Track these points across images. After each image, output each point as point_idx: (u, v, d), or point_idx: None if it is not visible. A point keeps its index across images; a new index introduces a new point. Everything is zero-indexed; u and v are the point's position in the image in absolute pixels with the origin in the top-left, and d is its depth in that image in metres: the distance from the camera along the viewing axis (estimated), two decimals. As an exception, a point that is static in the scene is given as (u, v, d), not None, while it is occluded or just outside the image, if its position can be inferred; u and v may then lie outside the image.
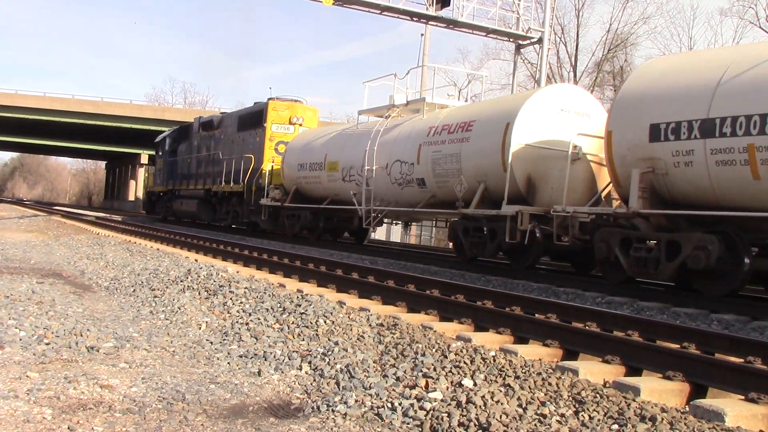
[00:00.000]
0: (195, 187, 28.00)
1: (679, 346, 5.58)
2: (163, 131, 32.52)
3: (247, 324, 7.25)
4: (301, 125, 23.67)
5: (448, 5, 25.79)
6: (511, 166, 12.79)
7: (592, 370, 5.10)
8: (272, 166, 22.75)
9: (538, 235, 12.21)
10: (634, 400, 4.44)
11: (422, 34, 32.31)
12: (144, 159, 62.51)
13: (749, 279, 9.79)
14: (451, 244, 16.51)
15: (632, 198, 10.20)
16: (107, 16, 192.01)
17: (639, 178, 10.12)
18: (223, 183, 24.87)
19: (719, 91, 9.27)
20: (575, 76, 42.94)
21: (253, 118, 24.67)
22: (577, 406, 4.44)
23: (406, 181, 15.93)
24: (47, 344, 6.13)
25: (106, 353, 6.05)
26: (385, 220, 18.75)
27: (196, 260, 12.52)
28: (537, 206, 12.60)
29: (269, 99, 24.12)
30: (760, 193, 8.82)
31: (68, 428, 4.10)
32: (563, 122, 13.02)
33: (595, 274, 13.02)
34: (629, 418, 4.17)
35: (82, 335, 6.52)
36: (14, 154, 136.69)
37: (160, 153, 33.63)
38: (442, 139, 14.88)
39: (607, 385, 4.82)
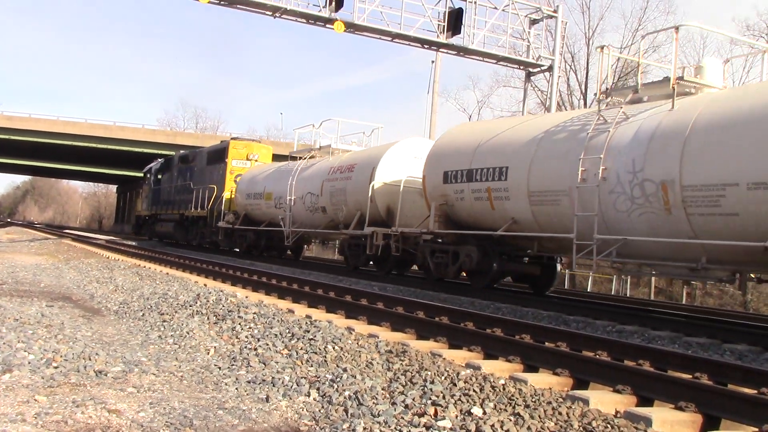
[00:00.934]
0: (172, 211, 32.19)
1: (691, 376, 5.52)
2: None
3: (255, 349, 7.22)
4: (256, 161, 28.15)
5: (459, 33, 25.97)
6: (374, 198, 17.73)
7: (603, 400, 5.04)
8: (229, 195, 26.97)
9: (392, 248, 16.33)
10: (645, 431, 4.39)
11: (433, 61, 32.58)
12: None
13: (500, 276, 15.04)
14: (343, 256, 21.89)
15: (431, 222, 15.03)
16: (120, 42, 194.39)
17: (435, 209, 14.94)
18: (193, 209, 29.13)
19: (476, 151, 14.11)
20: (585, 103, 43.05)
21: (218, 155, 28.98)
22: (587, 436, 4.39)
23: (314, 208, 20.90)
24: (56, 368, 6.13)
25: (115, 377, 6.04)
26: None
27: (205, 285, 12.52)
28: (393, 228, 16.61)
29: (231, 138, 29.38)
30: (496, 219, 13.48)
31: (75, 453, 4.08)
32: (415, 166, 17.00)
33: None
34: (641, 449, 4.12)
35: (90, 359, 6.51)
36: (26, 177, 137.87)
37: (147, 182, 37.82)
38: (336, 176, 19.83)
39: (618, 415, 4.76)
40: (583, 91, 43.39)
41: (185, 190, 31.00)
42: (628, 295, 25.20)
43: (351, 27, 24.78)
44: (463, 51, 26.99)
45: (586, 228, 11.19)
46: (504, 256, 14.10)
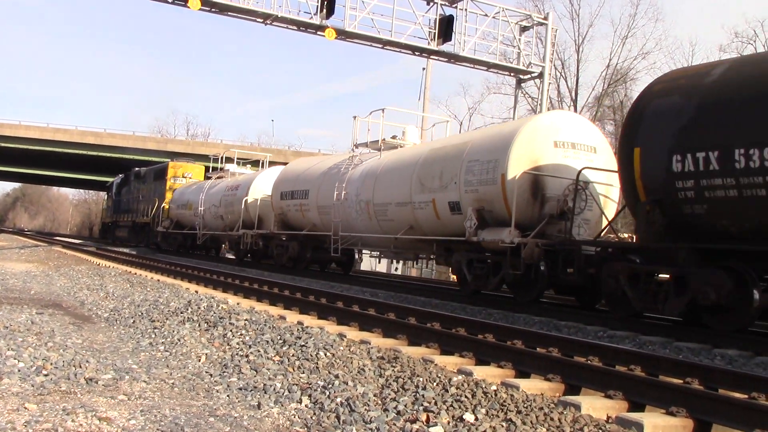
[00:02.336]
0: (127, 219, 40.15)
1: (682, 381, 5.54)
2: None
3: (247, 356, 7.20)
4: (190, 178, 34.93)
5: (450, 40, 26.06)
6: (247, 209, 24.87)
7: (595, 405, 5.05)
8: (166, 206, 33.38)
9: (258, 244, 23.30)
10: (637, 436, 4.40)
11: (424, 68, 32.64)
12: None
13: (311, 262, 20.88)
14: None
15: (272, 225, 22.02)
16: (111, 50, 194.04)
17: (275, 216, 21.96)
18: (141, 217, 36.63)
19: (297, 179, 21.21)
20: (576, 110, 43.19)
21: (161, 173, 36.02)
22: (579, 441, 4.39)
23: (216, 216, 27.56)
24: (46, 375, 6.09)
25: (105, 385, 6.01)
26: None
27: (197, 291, 12.49)
28: (254, 230, 23.63)
29: (170, 161, 37.03)
30: (304, 223, 19.86)
31: (65, 461, 4.05)
32: None
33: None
34: (632, 454, 4.12)
35: (81, 366, 6.47)
36: (16, 185, 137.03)
37: (110, 194, 46.42)
38: (229, 193, 27.17)
39: (610, 421, 4.77)
40: (573, 98, 43.64)
41: (137, 201, 38.58)
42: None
43: (342, 34, 24.82)
44: (453, 58, 27.07)
45: (341, 228, 18.16)
46: (313, 248, 20.39)
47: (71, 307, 11.72)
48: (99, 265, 20.41)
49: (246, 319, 8.94)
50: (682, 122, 9.49)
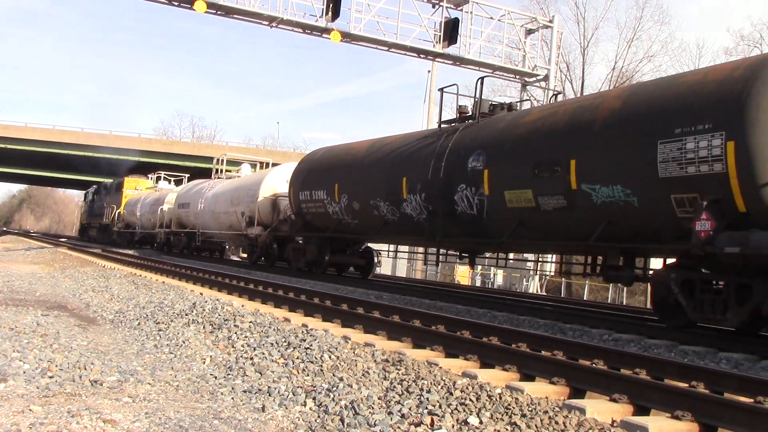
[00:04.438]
0: (96, 222, 51.18)
1: (688, 385, 5.52)
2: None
3: (251, 358, 7.21)
4: (140, 189, 43.11)
5: (455, 42, 26.09)
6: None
7: (600, 409, 5.03)
8: (121, 211, 42.61)
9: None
10: (642, 440, 4.38)
11: (429, 71, 32.65)
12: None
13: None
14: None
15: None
16: (117, 53, 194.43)
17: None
18: (105, 219, 46.82)
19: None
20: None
21: (119, 186, 45.35)
22: (584, 445, 4.38)
23: (159, 218, 35.71)
24: (51, 377, 6.11)
25: (110, 387, 6.02)
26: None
27: (201, 294, 12.50)
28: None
29: (125, 177, 45.78)
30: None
31: (70, 463, 4.06)
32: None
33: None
34: (637, 458, 4.11)
35: (86, 369, 6.49)
36: (22, 186, 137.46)
37: (86, 200, 57.30)
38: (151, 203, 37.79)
39: (615, 425, 4.76)
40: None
41: (102, 207, 48.48)
42: (624, 303, 25.21)
43: (347, 37, 24.88)
44: (459, 61, 27.10)
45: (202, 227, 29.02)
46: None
47: (76, 308, 11.75)
48: (104, 267, 20.45)
49: (251, 322, 8.95)
50: (303, 177, 19.83)
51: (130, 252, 29.42)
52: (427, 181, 14.19)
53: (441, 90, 15.84)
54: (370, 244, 20.25)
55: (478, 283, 30.04)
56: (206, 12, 23.30)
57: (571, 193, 10.87)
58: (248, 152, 55.95)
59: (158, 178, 43.45)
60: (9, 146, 53.76)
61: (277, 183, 22.80)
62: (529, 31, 28.55)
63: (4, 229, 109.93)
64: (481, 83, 14.30)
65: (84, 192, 57.65)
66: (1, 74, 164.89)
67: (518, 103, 16.37)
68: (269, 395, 5.94)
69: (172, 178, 42.72)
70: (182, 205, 30.84)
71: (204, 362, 7.33)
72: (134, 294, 13.06)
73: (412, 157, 15.06)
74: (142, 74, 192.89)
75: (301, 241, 20.82)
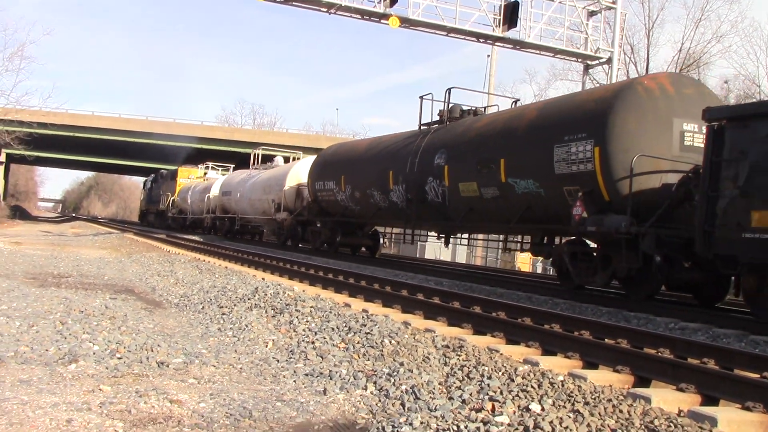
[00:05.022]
0: (155, 208, 53.82)
1: (759, 375, 5.36)
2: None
3: (313, 343, 7.28)
4: (192, 179, 45.62)
5: (515, 26, 25.70)
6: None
7: (666, 399, 4.93)
8: (175, 198, 45.54)
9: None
10: (710, 431, 4.27)
11: (488, 56, 32.28)
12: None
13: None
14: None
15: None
16: (180, 42, 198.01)
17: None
18: (161, 206, 49.83)
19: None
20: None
21: (173, 175, 48.51)
22: (650, 434, 4.29)
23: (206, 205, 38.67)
24: (119, 358, 6.28)
25: (176, 369, 6.16)
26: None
27: (263, 279, 12.67)
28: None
29: (179, 167, 48.68)
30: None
31: (139, 442, 4.17)
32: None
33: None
34: (706, 449, 4.01)
35: (152, 350, 6.66)
36: (90, 173, 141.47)
37: (145, 188, 60.60)
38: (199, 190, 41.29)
39: (682, 414, 4.65)
40: (644, 84, 42.38)
41: (159, 195, 51.74)
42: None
43: (406, 22, 24.76)
44: (519, 45, 26.71)
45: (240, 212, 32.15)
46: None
47: (143, 292, 12.05)
48: (169, 252, 20.91)
49: (312, 306, 9.03)
50: (319, 169, 22.55)
51: (194, 237, 30.05)
52: (406, 174, 17.17)
53: (421, 97, 18.65)
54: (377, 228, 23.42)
55: (539, 270, 29.71)
56: (266, 0, 23.50)
57: (502, 185, 13.71)
58: (308, 139, 56.54)
59: (207, 168, 46.57)
60: (77, 134, 55.25)
61: (301, 174, 25.25)
62: (592, 13, 27.92)
63: (74, 215, 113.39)
64: (449, 93, 17.76)
65: (144, 180, 61.46)
66: (69, 64, 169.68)
67: (484, 108, 18.65)
68: (331, 379, 5.99)
69: (220, 168, 45.96)
70: (225, 193, 34.09)
71: (266, 346, 7.43)
72: (198, 278, 13.32)
73: (397, 155, 18.02)
74: (205, 63, 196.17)
75: (318, 225, 23.62)
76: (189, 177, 46.16)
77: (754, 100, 33.75)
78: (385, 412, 5.13)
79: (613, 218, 11.01)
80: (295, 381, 6.02)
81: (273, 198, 26.88)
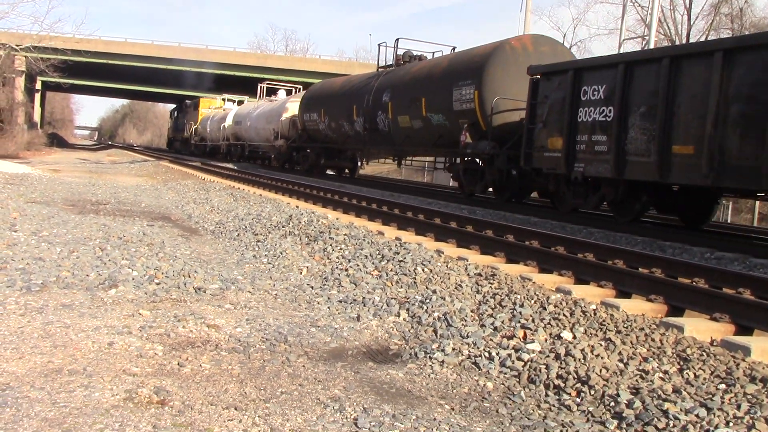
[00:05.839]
0: (180, 135, 57.97)
1: (794, 305, 5.31)
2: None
3: (346, 270, 7.36)
4: (213, 108, 48.23)
5: (554, -54, 24.85)
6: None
7: (699, 328, 4.92)
8: (198, 126, 49.09)
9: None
10: (743, 360, 4.27)
11: (526, -22, 31.29)
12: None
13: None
14: None
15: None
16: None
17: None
18: (185, 134, 54.04)
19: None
20: (689, 19, 40.76)
21: (195, 105, 51.98)
22: (681, 363, 4.31)
23: (223, 134, 41.81)
24: (158, 284, 6.42)
25: (213, 294, 6.29)
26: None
27: (297, 206, 12.76)
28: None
29: (200, 97, 52.99)
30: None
31: (178, 364, 4.29)
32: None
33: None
34: (738, 378, 4.02)
35: (189, 276, 6.79)
36: (125, 101, 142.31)
37: (172, 117, 66.63)
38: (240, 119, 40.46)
39: (715, 344, 4.64)
40: (687, 6, 40.98)
41: (183, 123, 55.86)
42: (728, 221, 24.32)
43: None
44: (558, -34, 25.83)
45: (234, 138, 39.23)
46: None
47: (179, 219, 12.23)
48: (204, 179, 21.11)
49: (345, 234, 9.10)
50: (306, 102, 26.52)
51: (229, 165, 30.28)
52: (364, 108, 21.45)
53: (379, 45, 24.22)
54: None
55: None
56: None
57: (424, 118, 18.16)
58: (340, 66, 55.92)
59: (224, 99, 49.22)
60: (110, 61, 55.29)
61: (295, 106, 28.77)
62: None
63: (109, 142, 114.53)
64: (397, 42, 22.00)
65: (171, 109, 68.77)
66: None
67: (433, 54, 21.62)
68: (364, 305, 6.08)
69: (236, 99, 47.78)
70: (237, 122, 37.94)
71: (301, 273, 7.54)
72: (233, 206, 13.46)
73: (359, 92, 22.18)
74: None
75: (308, 151, 27.56)
76: (210, 107, 49.50)
77: None
78: (418, 338, 5.21)
79: (483, 143, 15.60)
80: (329, 307, 6.12)
81: (273, 127, 30.86)
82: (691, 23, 40.62)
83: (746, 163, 9.38)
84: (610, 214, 13.45)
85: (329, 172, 27.41)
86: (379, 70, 22.30)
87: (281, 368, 4.40)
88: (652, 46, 26.05)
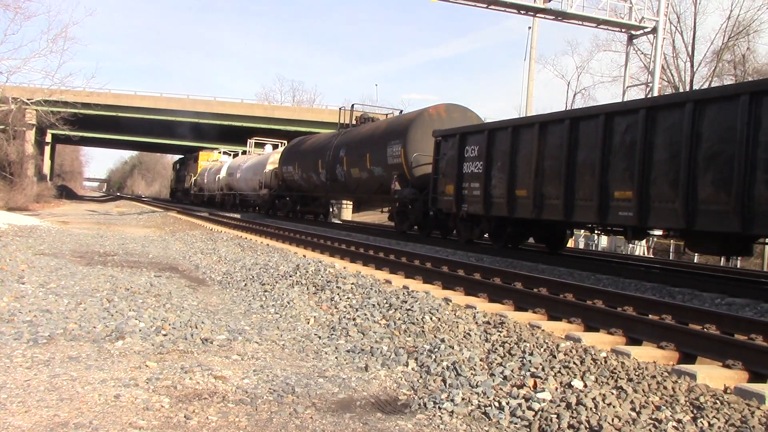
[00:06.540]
0: (181, 186, 63.63)
1: (807, 351, 5.24)
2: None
3: (354, 319, 7.32)
4: (211, 161, 52.70)
5: (557, -3, 25.28)
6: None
7: (712, 375, 4.85)
8: (197, 178, 53.34)
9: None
10: (758, 408, 4.20)
11: (530, 27, 31.80)
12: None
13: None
14: None
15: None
16: (220, 21, 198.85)
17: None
18: (185, 185, 59.68)
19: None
20: (692, 66, 41.19)
21: (195, 158, 56.81)
22: (695, 411, 4.24)
23: (218, 185, 46.91)
24: (165, 335, 6.39)
25: (220, 345, 6.25)
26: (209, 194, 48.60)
27: (304, 256, 12.76)
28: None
29: (200, 151, 57.06)
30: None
31: (185, 417, 4.25)
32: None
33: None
34: (753, 426, 3.95)
35: (197, 327, 6.76)
36: (133, 153, 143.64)
37: (175, 169, 73.97)
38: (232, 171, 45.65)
39: (728, 391, 4.57)
40: (690, 53, 41.42)
41: (185, 175, 61.79)
42: (738, 266, 24.17)
43: (445, -5, 24.49)
44: (561, 15, 26.28)
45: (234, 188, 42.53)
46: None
47: (186, 270, 12.23)
48: (211, 230, 21.17)
49: (353, 283, 9.08)
50: (284, 157, 31.38)
51: (237, 216, 30.42)
52: (326, 162, 25.73)
53: (340, 109, 29.82)
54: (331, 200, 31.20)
55: (581, 246, 29.42)
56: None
57: (368, 170, 22.19)
58: (366, 111, 56.30)
59: (218, 152, 55.23)
60: (120, 114, 55.96)
61: (277, 159, 32.81)
62: (636, -18, 27.30)
63: (118, 194, 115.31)
64: (353, 107, 27.87)
65: (173, 162, 75.95)
66: (112, 46, 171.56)
67: (387, 115, 26.82)
68: (372, 355, 6.03)
69: (231, 152, 52.83)
70: (230, 174, 42.06)
71: (308, 322, 7.50)
72: (240, 256, 13.47)
73: (323, 149, 26.60)
74: (244, 40, 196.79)
75: (287, 198, 31.48)
76: (208, 160, 54.06)
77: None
78: (427, 388, 5.15)
79: (407, 190, 19.60)
80: (336, 357, 6.07)
81: (259, 178, 35.09)
82: (695, 70, 41.02)
83: (555, 202, 13.14)
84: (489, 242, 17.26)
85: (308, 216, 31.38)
86: (340, 129, 27.28)
87: (289, 420, 4.35)
88: (656, 94, 26.28)
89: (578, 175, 12.56)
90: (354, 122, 26.50)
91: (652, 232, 13.87)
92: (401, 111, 25.73)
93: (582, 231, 29.57)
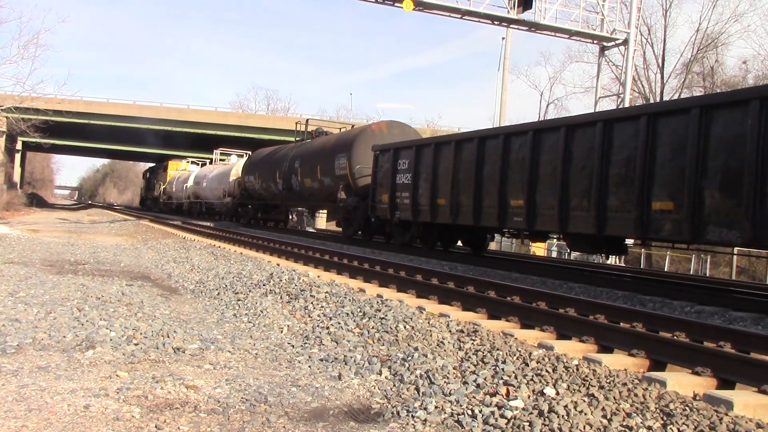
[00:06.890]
0: (151, 195, 64.57)
1: (775, 358, 5.33)
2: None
3: (327, 328, 7.30)
4: (180, 170, 53.90)
5: (530, 8, 25.53)
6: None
7: (681, 382, 4.91)
8: (166, 186, 54.52)
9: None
10: (726, 414, 4.25)
11: (503, 38, 32.08)
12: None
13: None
14: None
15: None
16: (195, 29, 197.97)
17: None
18: (155, 193, 60.71)
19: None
20: (662, 77, 41.76)
21: (164, 167, 57.64)
22: (665, 418, 4.28)
23: (187, 193, 48.41)
24: (136, 345, 6.33)
25: (192, 354, 6.20)
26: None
27: (278, 264, 12.71)
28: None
29: (169, 160, 58.18)
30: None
31: (156, 427, 4.21)
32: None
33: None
34: (722, 433, 3.99)
35: (168, 336, 6.70)
36: (105, 161, 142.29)
37: (145, 178, 73.91)
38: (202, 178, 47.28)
39: (698, 398, 4.63)
40: (660, 65, 42.01)
41: (154, 183, 62.70)
42: (707, 275, 24.48)
43: (420, 5, 24.65)
44: (534, 27, 26.53)
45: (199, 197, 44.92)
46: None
47: (159, 279, 12.12)
48: (184, 238, 21.02)
49: (327, 292, 9.06)
50: (246, 167, 33.94)
51: (210, 224, 30.23)
52: (283, 173, 27.83)
53: (296, 123, 32.80)
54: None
55: (554, 254, 29.62)
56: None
57: (319, 181, 24.41)
58: (321, 124, 56.31)
59: (187, 161, 56.42)
60: (92, 122, 55.43)
61: (240, 170, 34.89)
62: (607, -6, 27.64)
63: (90, 202, 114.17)
64: (307, 122, 30.86)
65: (143, 171, 78.25)
66: (84, 53, 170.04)
67: (340, 129, 28.59)
68: (345, 364, 6.01)
69: (200, 161, 54.70)
70: (197, 183, 44.00)
71: (281, 331, 7.47)
72: (213, 265, 13.39)
73: (280, 160, 28.69)
74: (218, 49, 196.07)
75: (250, 207, 33.46)
76: (177, 169, 55.37)
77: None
78: (400, 396, 5.15)
79: (351, 198, 21.78)
80: (310, 366, 6.05)
81: (224, 187, 37.34)
82: (665, 81, 41.59)
83: (467, 210, 15.33)
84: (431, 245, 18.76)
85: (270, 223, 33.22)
86: (296, 141, 30.13)
87: (261, 429, 4.32)
88: (627, 105, 26.61)
89: (485, 186, 14.77)
90: (309, 135, 28.94)
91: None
92: (353, 125, 28.42)
93: (546, 242, 29.78)
